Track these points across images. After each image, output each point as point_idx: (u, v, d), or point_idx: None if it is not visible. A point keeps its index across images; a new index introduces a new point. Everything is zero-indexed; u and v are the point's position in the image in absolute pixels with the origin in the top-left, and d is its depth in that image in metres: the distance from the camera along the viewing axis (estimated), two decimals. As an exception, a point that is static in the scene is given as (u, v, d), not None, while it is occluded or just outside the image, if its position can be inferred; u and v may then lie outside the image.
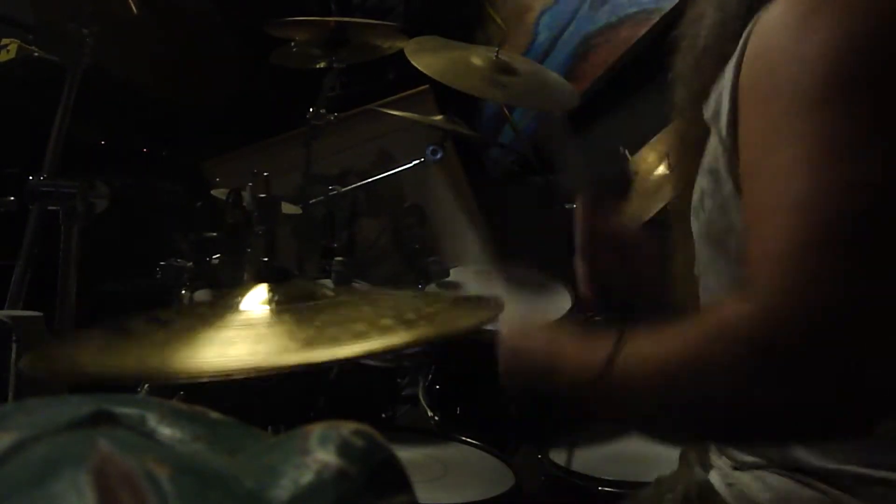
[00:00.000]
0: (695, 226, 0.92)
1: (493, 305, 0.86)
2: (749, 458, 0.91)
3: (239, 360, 0.87)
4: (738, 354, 0.70)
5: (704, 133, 0.87)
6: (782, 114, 0.73)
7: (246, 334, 0.95)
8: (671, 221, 1.03)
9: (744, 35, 0.80)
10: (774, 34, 0.76)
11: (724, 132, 0.82)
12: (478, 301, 1.00)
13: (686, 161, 0.91)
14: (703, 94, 0.86)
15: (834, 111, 0.70)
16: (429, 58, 2.12)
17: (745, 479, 0.90)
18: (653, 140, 2.07)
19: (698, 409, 0.75)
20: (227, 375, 0.72)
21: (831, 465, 0.83)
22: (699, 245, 0.92)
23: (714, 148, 0.85)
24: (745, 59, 0.79)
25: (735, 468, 0.92)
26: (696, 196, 0.90)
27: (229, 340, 0.94)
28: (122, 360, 0.93)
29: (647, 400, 0.78)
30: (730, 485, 0.92)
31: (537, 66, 2.54)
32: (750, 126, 0.77)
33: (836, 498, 0.83)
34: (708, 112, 0.85)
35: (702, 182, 0.88)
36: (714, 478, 0.94)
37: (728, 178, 0.83)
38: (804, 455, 0.85)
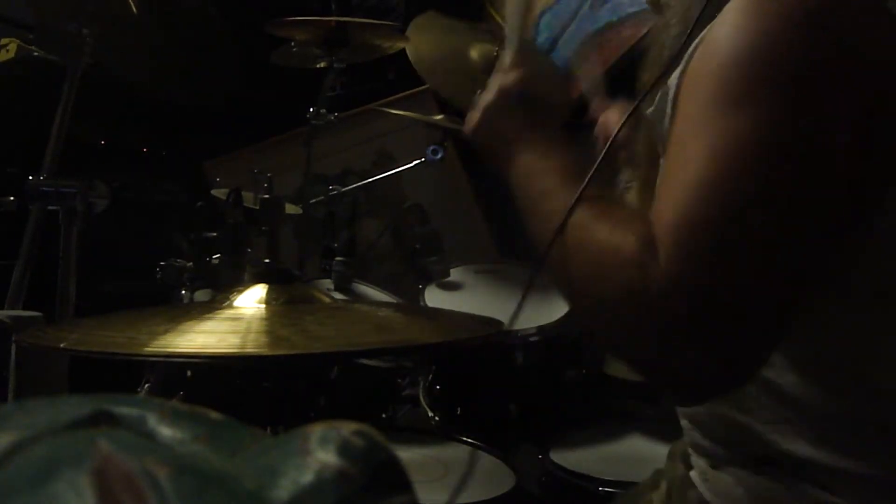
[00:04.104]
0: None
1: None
2: (720, 451, 0.93)
3: (200, 348, 0.88)
4: (628, 288, 0.76)
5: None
6: (703, 105, 0.78)
7: (227, 327, 0.96)
8: None
9: (694, 43, 0.83)
10: (714, 37, 0.80)
11: (666, 132, 0.86)
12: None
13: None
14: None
15: (747, 107, 0.75)
16: (428, 56, 2.12)
17: (720, 475, 0.93)
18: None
19: (586, 307, 0.86)
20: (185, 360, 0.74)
21: (800, 453, 0.85)
22: None
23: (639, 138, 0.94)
24: (688, 59, 0.83)
25: (713, 466, 0.94)
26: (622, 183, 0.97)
27: (210, 331, 0.95)
28: (105, 336, 0.94)
29: (533, 195, 0.92)
30: (706, 480, 0.95)
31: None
32: (677, 117, 0.82)
33: (805, 492, 0.85)
34: (651, 110, 0.90)
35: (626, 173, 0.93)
36: (694, 475, 0.97)
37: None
38: (774, 443, 0.87)
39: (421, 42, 2.15)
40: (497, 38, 2.32)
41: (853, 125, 0.76)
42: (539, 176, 0.92)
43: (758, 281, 0.74)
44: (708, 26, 0.82)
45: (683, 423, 0.98)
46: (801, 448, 0.85)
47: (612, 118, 1.39)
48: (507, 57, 1.00)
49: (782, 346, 0.81)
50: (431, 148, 2.22)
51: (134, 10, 1.88)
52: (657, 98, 0.88)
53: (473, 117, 1.01)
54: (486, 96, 0.99)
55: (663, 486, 1.03)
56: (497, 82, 0.98)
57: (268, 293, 1.09)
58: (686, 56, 0.83)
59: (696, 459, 0.98)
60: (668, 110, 0.85)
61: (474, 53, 2.16)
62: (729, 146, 0.74)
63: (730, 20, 0.78)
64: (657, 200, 0.80)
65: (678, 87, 0.83)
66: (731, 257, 0.74)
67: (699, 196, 0.74)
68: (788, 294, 0.76)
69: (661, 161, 0.87)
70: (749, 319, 0.75)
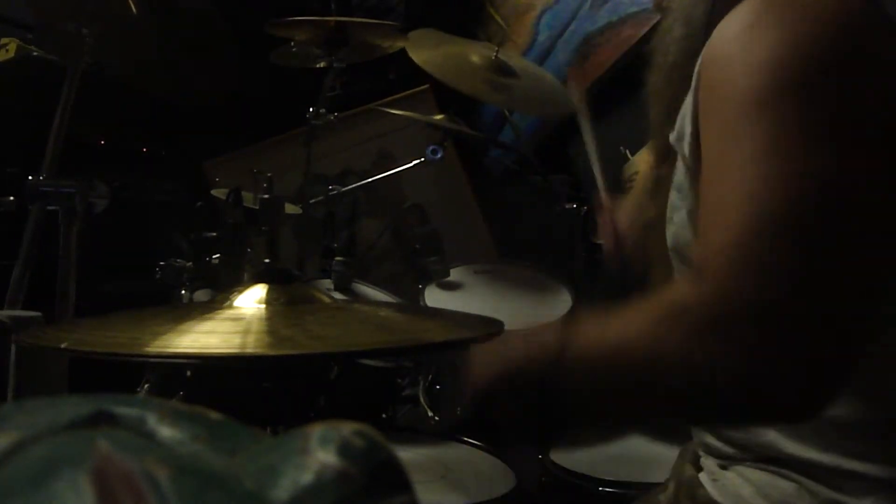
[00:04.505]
0: (668, 236, 0.95)
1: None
2: (729, 450, 0.93)
3: (203, 348, 0.88)
4: (687, 333, 0.72)
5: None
6: (733, 116, 0.77)
7: (229, 327, 0.96)
8: (653, 230, 1.06)
9: (700, 57, 0.84)
10: (724, 45, 0.80)
11: (686, 152, 0.86)
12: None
13: (663, 174, 0.93)
14: (675, 108, 0.88)
15: (779, 110, 0.75)
16: (428, 53, 2.12)
17: (728, 475, 0.93)
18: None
19: (652, 388, 0.76)
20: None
21: (807, 456, 0.85)
22: (671, 254, 0.95)
23: (679, 166, 0.90)
24: (700, 76, 0.83)
25: (721, 467, 0.95)
26: (668, 208, 0.95)
27: (212, 332, 0.95)
28: (103, 337, 0.94)
29: (605, 380, 0.79)
30: (715, 481, 0.95)
31: (536, 67, 2.54)
32: (707, 134, 0.81)
33: (811, 488, 0.86)
34: (673, 136, 0.90)
35: (672, 195, 0.92)
36: (703, 476, 0.98)
37: (689, 194, 0.88)
38: (782, 446, 0.87)
39: (421, 51, 2.15)
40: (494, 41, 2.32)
41: (882, 121, 0.76)
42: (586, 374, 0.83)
43: (820, 277, 0.72)
44: (707, 43, 0.82)
45: None
46: (808, 452, 0.85)
47: (619, 217, 1.38)
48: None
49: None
50: (431, 148, 2.22)
51: (134, 10, 1.88)
52: (676, 122, 0.88)
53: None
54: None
55: (671, 486, 1.03)
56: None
57: (268, 293, 1.09)
58: (695, 74, 0.84)
59: (705, 460, 0.98)
60: (688, 129, 0.85)
61: (475, 57, 2.16)
62: (768, 151, 0.73)
63: (739, 33, 0.78)
64: (705, 219, 0.79)
65: (695, 105, 0.83)
66: (783, 261, 0.72)
67: (753, 210, 0.73)
68: (849, 289, 0.74)
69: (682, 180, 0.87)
70: (816, 318, 0.71)
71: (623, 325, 0.77)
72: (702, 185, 0.82)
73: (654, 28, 1.03)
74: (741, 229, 0.73)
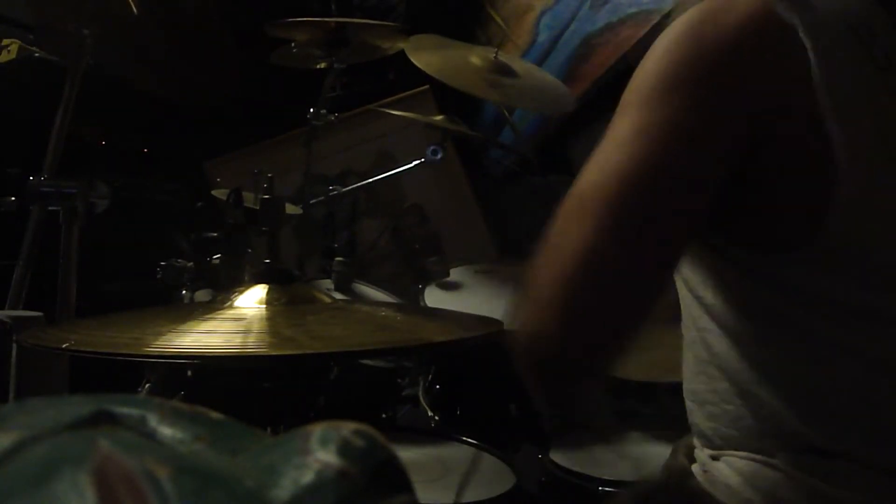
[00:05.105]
0: None
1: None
2: (723, 434, 0.95)
3: (205, 349, 0.88)
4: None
5: None
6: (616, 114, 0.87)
7: (230, 328, 0.96)
8: None
9: None
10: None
11: None
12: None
13: None
14: None
15: (629, 114, 0.84)
16: (428, 56, 2.12)
17: (718, 465, 0.95)
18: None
19: None
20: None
21: (799, 432, 0.87)
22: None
23: None
24: None
25: (713, 458, 0.96)
26: None
27: (213, 332, 0.95)
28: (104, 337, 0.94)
29: None
30: (706, 472, 0.96)
31: (535, 68, 2.54)
32: None
33: (803, 481, 0.87)
34: None
35: None
36: (695, 467, 0.99)
37: None
38: (780, 421, 0.89)
39: (422, 54, 2.15)
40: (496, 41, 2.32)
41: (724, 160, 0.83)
42: None
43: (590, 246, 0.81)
44: None
45: (689, 405, 0.99)
46: (795, 425, 0.87)
47: None
48: None
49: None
50: (431, 148, 2.22)
51: (134, 10, 1.88)
52: None
53: None
54: None
55: (664, 476, 1.04)
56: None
57: (268, 293, 1.09)
58: None
59: (699, 452, 0.99)
60: None
61: (476, 59, 2.16)
62: (604, 145, 0.85)
63: (658, 40, 0.87)
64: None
65: None
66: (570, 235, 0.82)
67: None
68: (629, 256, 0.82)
69: None
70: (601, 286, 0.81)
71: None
72: None
73: (653, 29, 1.06)
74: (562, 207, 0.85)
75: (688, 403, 1.00)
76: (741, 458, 0.92)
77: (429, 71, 2.05)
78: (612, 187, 0.81)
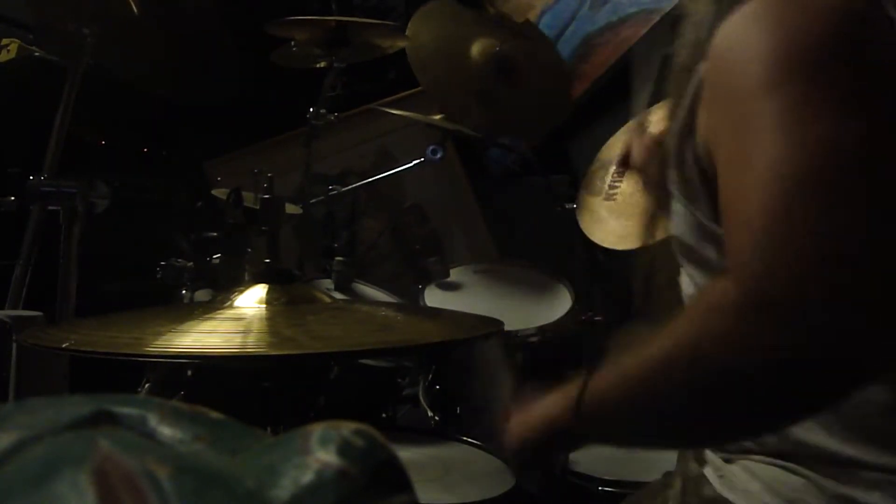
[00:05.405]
0: (673, 239, 0.95)
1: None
2: (733, 445, 0.92)
3: (206, 348, 0.88)
4: (734, 322, 0.69)
5: None
6: (743, 106, 0.75)
7: (231, 327, 0.96)
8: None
9: (700, 65, 0.83)
10: (726, 42, 0.79)
11: (693, 147, 0.85)
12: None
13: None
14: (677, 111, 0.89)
15: (791, 89, 0.73)
16: (425, 45, 2.12)
17: (735, 469, 0.93)
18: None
19: (696, 397, 0.74)
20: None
21: (825, 445, 0.85)
22: (673, 244, 0.95)
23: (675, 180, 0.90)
24: (703, 76, 0.82)
25: (726, 461, 0.94)
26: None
27: (214, 332, 0.95)
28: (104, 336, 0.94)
29: (633, 408, 0.78)
30: (721, 476, 0.94)
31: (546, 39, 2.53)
32: (719, 130, 0.80)
33: (820, 483, 0.85)
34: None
35: (675, 205, 0.92)
36: (708, 471, 0.97)
37: (682, 194, 0.88)
38: (801, 435, 0.86)
39: (423, 32, 2.15)
40: (503, 27, 2.31)
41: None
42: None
43: (857, 235, 0.69)
44: (711, 44, 0.82)
45: None
46: (818, 437, 0.85)
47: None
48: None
49: None
50: (431, 148, 2.22)
51: (134, 10, 1.88)
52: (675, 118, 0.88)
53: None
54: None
55: (678, 484, 1.02)
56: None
57: (268, 293, 1.09)
58: (697, 75, 0.84)
59: (710, 455, 0.97)
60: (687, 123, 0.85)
61: (475, 49, 2.16)
62: (784, 128, 0.71)
63: (740, 28, 0.78)
64: (728, 206, 0.76)
65: (694, 99, 0.83)
66: (821, 229, 0.69)
67: (776, 177, 0.70)
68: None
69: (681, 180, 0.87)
70: (870, 284, 0.68)
71: (657, 343, 0.75)
72: (720, 183, 0.80)
73: (653, 29, 1.04)
74: (771, 212, 0.70)
75: None
76: (760, 462, 0.90)
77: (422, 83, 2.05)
78: (849, 161, 0.70)
